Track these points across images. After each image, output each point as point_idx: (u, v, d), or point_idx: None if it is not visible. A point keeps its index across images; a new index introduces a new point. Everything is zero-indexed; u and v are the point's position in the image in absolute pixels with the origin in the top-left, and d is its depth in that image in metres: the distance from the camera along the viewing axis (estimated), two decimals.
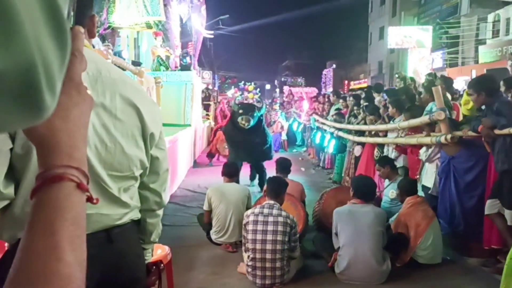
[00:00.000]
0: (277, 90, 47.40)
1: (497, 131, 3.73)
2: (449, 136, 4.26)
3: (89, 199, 0.60)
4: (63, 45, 0.45)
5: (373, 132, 6.54)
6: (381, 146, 6.25)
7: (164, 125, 1.60)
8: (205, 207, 4.69)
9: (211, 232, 4.61)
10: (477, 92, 4.01)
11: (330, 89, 31.25)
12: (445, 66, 20.39)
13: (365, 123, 6.86)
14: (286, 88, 25.58)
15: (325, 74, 40.24)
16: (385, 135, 6.15)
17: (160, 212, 1.66)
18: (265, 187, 4.07)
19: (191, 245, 4.56)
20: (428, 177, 4.93)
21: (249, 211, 3.83)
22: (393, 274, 3.75)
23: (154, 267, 1.75)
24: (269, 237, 3.57)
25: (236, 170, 5.26)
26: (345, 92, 17.98)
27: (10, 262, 0.51)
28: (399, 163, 5.59)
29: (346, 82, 35.07)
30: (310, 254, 4.17)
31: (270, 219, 3.63)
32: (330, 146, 8.58)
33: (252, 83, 7.87)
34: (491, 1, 19.09)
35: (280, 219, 3.63)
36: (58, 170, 0.55)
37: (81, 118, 0.59)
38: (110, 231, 1.39)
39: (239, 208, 4.53)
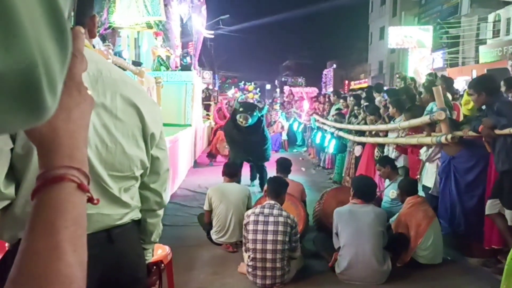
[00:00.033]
0: (278, 90, 47.45)
1: (497, 131, 3.73)
2: (449, 136, 4.26)
3: (90, 200, 0.60)
4: (64, 46, 0.45)
5: (373, 132, 6.54)
6: (381, 146, 6.25)
7: (164, 125, 1.60)
8: (206, 207, 4.69)
9: (212, 232, 4.61)
10: (477, 92, 4.00)
11: (330, 89, 31.26)
12: (446, 66, 20.39)
13: (366, 123, 6.86)
14: (286, 88, 25.61)
15: (326, 74, 40.25)
16: (386, 135, 6.15)
17: (161, 212, 1.66)
18: (265, 187, 4.07)
19: (191, 245, 4.56)
20: (429, 177, 4.93)
21: (249, 211, 3.83)
22: (394, 274, 3.75)
23: (155, 267, 1.76)
24: (270, 237, 3.57)
25: (237, 170, 5.26)
26: (346, 92, 17.96)
27: (11, 262, 0.51)
28: (400, 163, 5.59)
29: (346, 82, 35.06)
30: (311, 254, 4.17)
31: (271, 219, 3.63)
32: (331, 146, 8.58)
33: (252, 83, 7.92)
34: (492, 1, 19.09)
35: (281, 219, 3.63)
36: (59, 170, 0.55)
37: (81, 119, 0.59)
38: (110, 231, 1.39)
39: (240, 208, 4.53)
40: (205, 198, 4.73)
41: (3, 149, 1.15)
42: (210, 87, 19.75)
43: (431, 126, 4.73)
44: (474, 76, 12.01)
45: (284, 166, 5.35)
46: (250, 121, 6.69)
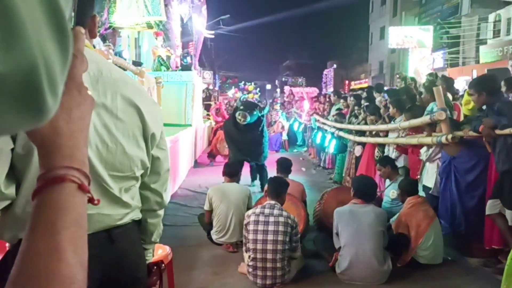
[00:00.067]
0: (278, 90, 47.46)
1: (498, 131, 3.73)
2: (450, 136, 4.26)
3: (91, 200, 0.60)
4: (65, 47, 0.45)
5: (373, 132, 6.54)
6: (381, 146, 6.25)
7: (165, 125, 1.60)
8: (206, 207, 4.69)
9: (212, 232, 4.61)
10: (478, 92, 4.00)
11: (330, 89, 31.26)
12: (446, 66, 20.37)
13: (366, 123, 6.86)
14: (287, 88, 25.58)
15: (326, 74, 40.25)
16: (386, 135, 6.15)
17: (161, 212, 1.66)
18: (266, 187, 4.07)
19: (192, 245, 4.56)
20: (429, 177, 4.93)
21: (250, 211, 3.83)
22: (394, 274, 3.75)
23: (155, 267, 1.76)
24: (270, 237, 3.57)
25: (237, 170, 5.27)
26: (346, 92, 17.94)
27: (11, 263, 0.51)
28: (400, 163, 5.59)
29: (346, 82, 35.04)
30: (311, 254, 4.17)
31: (271, 219, 3.63)
32: (331, 146, 8.58)
33: (252, 83, 8.00)
34: (492, 1, 19.07)
35: (281, 219, 3.63)
36: (60, 171, 0.55)
37: (82, 119, 0.59)
38: (111, 231, 1.39)
39: (240, 208, 4.53)
40: (206, 198, 4.73)
41: (3, 149, 1.15)
42: (211, 87, 19.75)
43: (432, 126, 4.73)
44: (475, 76, 12.01)
45: (284, 166, 5.35)
46: (248, 119, 6.77)
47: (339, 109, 9.28)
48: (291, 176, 5.34)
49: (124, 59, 6.23)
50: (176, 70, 9.99)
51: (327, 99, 11.70)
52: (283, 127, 14.34)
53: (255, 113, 6.85)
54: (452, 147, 4.38)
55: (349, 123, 7.82)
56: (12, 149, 1.17)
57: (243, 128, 6.88)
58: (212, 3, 17.80)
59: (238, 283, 3.73)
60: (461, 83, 13.15)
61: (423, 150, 4.99)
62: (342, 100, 9.45)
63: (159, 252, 2.82)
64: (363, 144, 6.93)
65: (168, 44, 11.17)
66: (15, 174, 1.20)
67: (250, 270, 3.65)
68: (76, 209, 0.55)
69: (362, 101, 7.67)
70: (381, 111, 6.71)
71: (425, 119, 4.74)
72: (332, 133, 8.44)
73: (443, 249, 4.15)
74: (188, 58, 10.51)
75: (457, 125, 4.53)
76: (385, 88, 9.17)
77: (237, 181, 5.09)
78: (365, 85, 23.77)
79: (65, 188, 0.55)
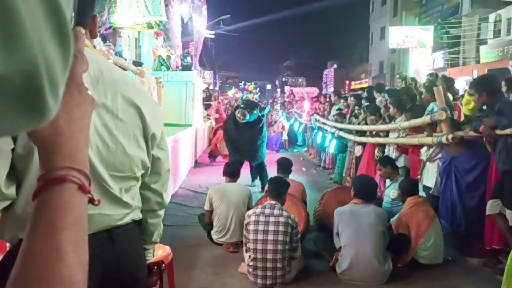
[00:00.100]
0: (278, 90, 47.47)
1: (498, 131, 3.73)
2: (450, 136, 4.26)
3: (91, 201, 0.60)
4: (66, 48, 0.44)
5: (374, 132, 6.54)
6: (382, 146, 6.25)
7: (165, 125, 1.60)
8: (206, 207, 4.69)
9: (212, 232, 4.61)
10: (478, 92, 4.00)
11: (331, 89, 31.25)
12: (446, 66, 20.35)
13: (366, 123, 6.86)
14: (287, 88, 25.61)
15: (326, 74, 40.25)
16: (386, 135, 6.15)
17: (162, 212, 1.66)
18: (266, 187, 4.07)
19: (192, 245, 4.56)
20: (429, 177, 4.93)
21: (250, 211, 3.83)
22: (395, 274, 3.75)
23: (156, 267, 1.76)
24: (270, 237, 3.57)
25: (237, 170, 5.27)
26: (346, 92, 17.94)
27: (11, 263, 0.51)
28: (400, 163, 5.59)
29: (347, 82, 35.03)
30: (311, 254, 4.17)
31: (272, 219, 3.63)
32: (331, 146, 8.58)
33: (253, 83, 8.03)
34: (493, 1, 19.05)
35: (282, 219, 3.63)
36: (60, 171, 0.55)
37: (82, 119, 0.59)
38: (111, 231, 1.39)
39: (240, 208, 4.53)
40: (206, 198, 4.73)
41: (4, 150, 1.15)
42: (211, 87, 19.76)
43: (432, 126, 4.73)
44: (475, 76, 12.00)
45: (285, 166, 5.35)
46: (248, 117, 6.79)
47: (339, 109, 9.27)
48: (292, 176, 5.34)
49: (124, 59, 6.23)
50: (176, 70, 9.99)
51: (328, 99, 11.70)
52: (283, 127, 14.34)
53: (255, 112, 6.88)
54: (452, 147, 4.38)
55: (350, 123, 7.82)
56: (13, 150, 1.17)
57: (242, 127, 6.92)
58: (212, 3, 17.82)
59: (239, 283, 3.73)
60: (461, 83, 13.15)
61: (423, 150, 4.99)
62: (342, 100, 9.45)
63: (159, 252, 2.83)
64: (363, 144, 6.93)
65: (169, 44, 11.17)
66: (15, 175, 1.20)
67: (251, 270, 3.65)
68: (76, 209, 0.55)
69: (363, 101, 7.67)
70: (382, 111, 6.71)
71: (425, 119, 4.74)
72: (333, 133, 8.44)
73: (444, 249, 4.15)
74: (189, 58, 10.51)
75: (458, 125, 4.53)
76: (386, 88, 9.16)
77: (236, 180, 5.09)
78: (366, 85, 23.77)
79: (65, 188, 0.55)
